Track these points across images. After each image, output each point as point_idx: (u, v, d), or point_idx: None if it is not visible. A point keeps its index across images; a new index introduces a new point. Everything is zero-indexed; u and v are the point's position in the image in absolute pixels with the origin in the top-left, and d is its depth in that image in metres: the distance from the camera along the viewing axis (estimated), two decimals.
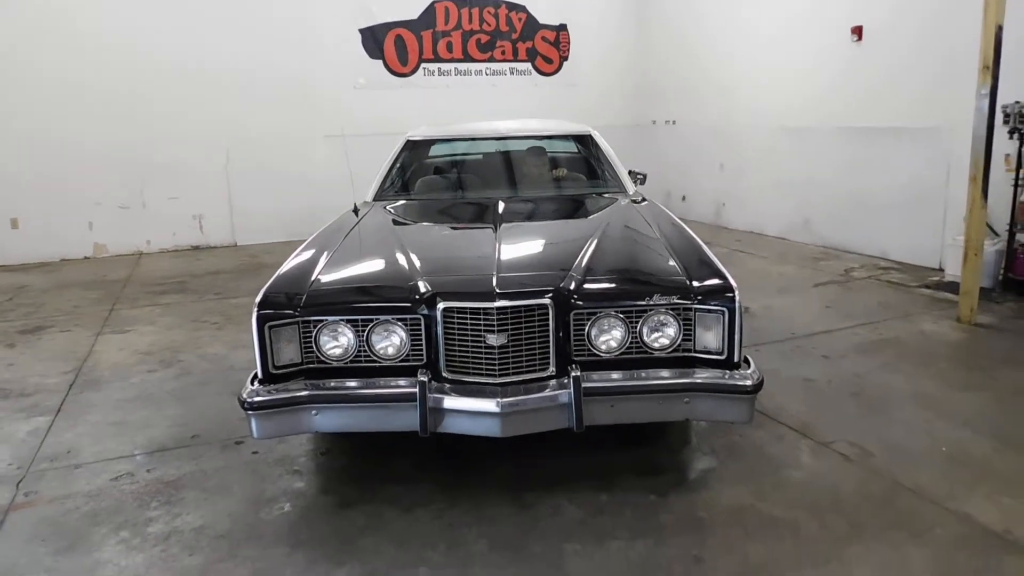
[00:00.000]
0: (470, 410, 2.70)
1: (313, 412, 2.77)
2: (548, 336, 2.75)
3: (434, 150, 5.11)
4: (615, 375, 2.78)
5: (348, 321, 2.81)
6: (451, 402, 2.72)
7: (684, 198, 9.46)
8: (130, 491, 3.02)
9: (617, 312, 2.80)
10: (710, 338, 2.82)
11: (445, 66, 9.09)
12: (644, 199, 4.30)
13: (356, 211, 4.21)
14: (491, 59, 9.24)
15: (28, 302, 6.02)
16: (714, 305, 2.78)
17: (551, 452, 3.17)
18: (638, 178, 4.71)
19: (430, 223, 4.09)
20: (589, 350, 2.82)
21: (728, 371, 2.80)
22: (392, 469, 3.14)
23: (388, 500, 2.90)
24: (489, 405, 2.67)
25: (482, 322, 2.71)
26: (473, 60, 9.17)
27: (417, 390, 2.66)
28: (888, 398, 3.73)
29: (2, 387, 4.19)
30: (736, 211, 8.58)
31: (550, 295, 2.73)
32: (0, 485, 3.07)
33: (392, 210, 4.22)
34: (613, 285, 2.92)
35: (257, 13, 8.18)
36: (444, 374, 2.79)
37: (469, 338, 2.74)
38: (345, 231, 3.65)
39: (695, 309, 2.80)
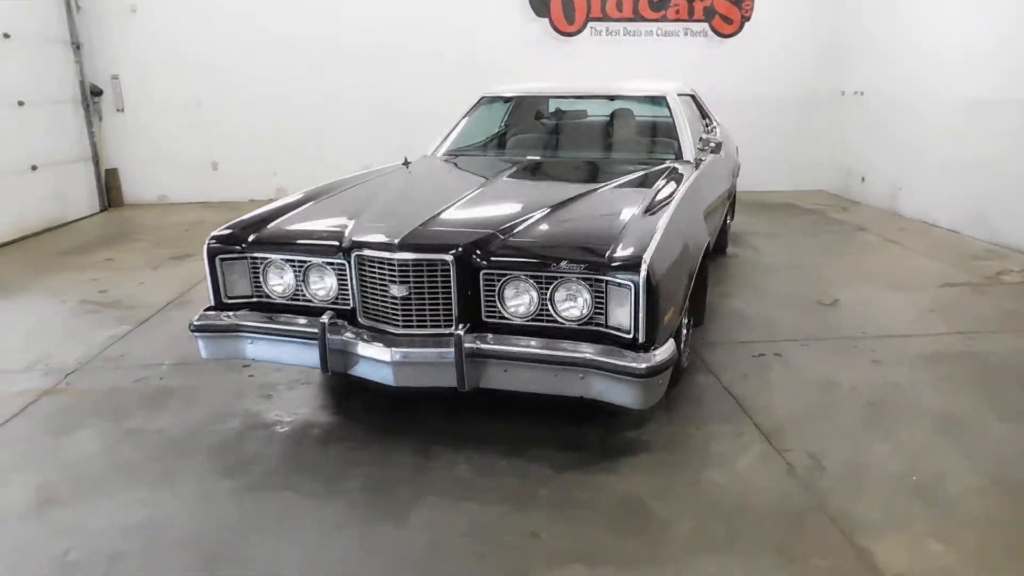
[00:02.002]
0: (369, 356, 2.82)
1: (249, 341, 3.06)
2: (451, 293, 2.76)
3: (512, 107, 5.15)
4: (509, 340, 2.72)
5: (288, 261, 3.05)
6: (357, 347, 2.85)
7: (863, 179, 8.44)
8: (137, 392, 3.54)
9: (527, 276, 2.74)
10: (621, 315, 2.65)
11: (613, 25, 8.87)
12: (699, 164, 4.13)
13: (406, 163, 4.45)
14: (663, 18, 8.83)
15: (196, 234, 7.08)
16: (622, 278, 2.60)
17: (517, 415, 3.15)
18: (710, 145, 4.37)
19: (435, 177, 4.14)
20: (500, 313, 2.79)
21: (633, 351, 2.61)
22: (345, 408, 3.35)
23: (321, 433, 3.11)
24: (384, 354, 2.77)
25: (387, 273, 2.79)
26: (644, 19, 8.83)
27: (318, 330, 2.84)
28: (906, 415, 3.20)
29: (121, 300, 5.03)
30: (911, 197, 7.50)
31: (453, 252, 2.73)
32: (53, 374, 3.76)
33: (431, 165, 4.37)
34: (525, 249, 2.82)
35: None
36: (359, 319, 2.93)
37: (378, 287, 2.84)
38: (354, 182, 3.88)
39: (607, 282, 2.64)
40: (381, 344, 2.79)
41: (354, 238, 2.89)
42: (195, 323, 3.08)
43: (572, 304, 2.73)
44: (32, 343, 4.18)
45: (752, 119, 8.93)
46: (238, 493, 2.69)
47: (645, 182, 3.72)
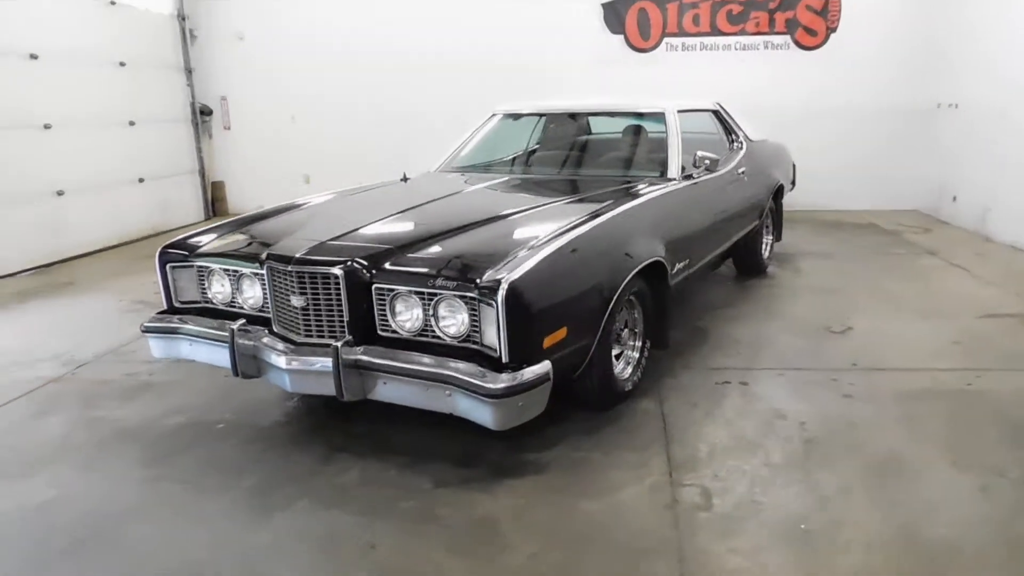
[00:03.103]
0: (272, 363, 2.98)
1: (188, 343, 3.32)
2: (343, 305, 2.87)
3: (523, 124, 5.18)
4: (384, 353, 2.78)
5: (224, 270, 3.28)
6: (263, 353, 3.02)
7: (955, 199, 7.67)
8: (121, 385, 3.90)
9: (411, 292, 2.79)
10: (491, 333, 2.64)
11: (690, 40, 8.65)
12: (676, 182, 4.07)
13: (405, 179, 4.64)
14: (742, 32, 8.50)
15: None
16: (486, 298, 2.60)
17: (447, 429, 3.12)
18: (705, 163, 4.20)
19: (397, 193, 4.21)
20: (391, 327, 2.87)
21: (497, 372, 2.60)
22: (290, 411, 3.53)
23: (251, 433, 3.30)
24: (281, 361, 2.92)
25: (288, 284, 2.94)
26: (722, 33, 8.55)
27: (228, 336, 3.03)
28: (842, 456, 2.93)
29: None
30: (1002, 220, 6.72)
31: (342, 266, 2.84)
32: (68, 365, 4.21)
33: (418, 181, 4.52)
34: (410, 265, 2.86)
35: None
36: (273, 327, 3.10)
37: (284, 297, 3.00)
38: (328, 196, 4.10)
39: (477, 300, 2.65)
40: (280, 352, 2.94)
41: (269, 251, 3.07)
42: (145, 324, 3.38)
43: (452, 321, 2.75)
44: (70, 336, 4.71)
45: (837, 134, 8.43)
46: (146, 482, 2.92)
47: (600, 199, 3.65)
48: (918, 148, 8.27)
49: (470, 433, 3.01)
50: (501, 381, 2.54)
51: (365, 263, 2.84)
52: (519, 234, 3.10)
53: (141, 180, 8.30)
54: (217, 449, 3.17)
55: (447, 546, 2.44)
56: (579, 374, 3.10)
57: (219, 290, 3.33)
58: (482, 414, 2.58)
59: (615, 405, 3.39)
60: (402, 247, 2.98)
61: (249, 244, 3.34)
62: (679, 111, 4.54)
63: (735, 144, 5.22)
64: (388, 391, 2.79)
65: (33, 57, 6.84)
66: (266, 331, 3.10)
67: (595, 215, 3.28)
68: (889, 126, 8.38)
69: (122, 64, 8.03)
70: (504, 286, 2.55)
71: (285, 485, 2.85)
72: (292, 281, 2.91)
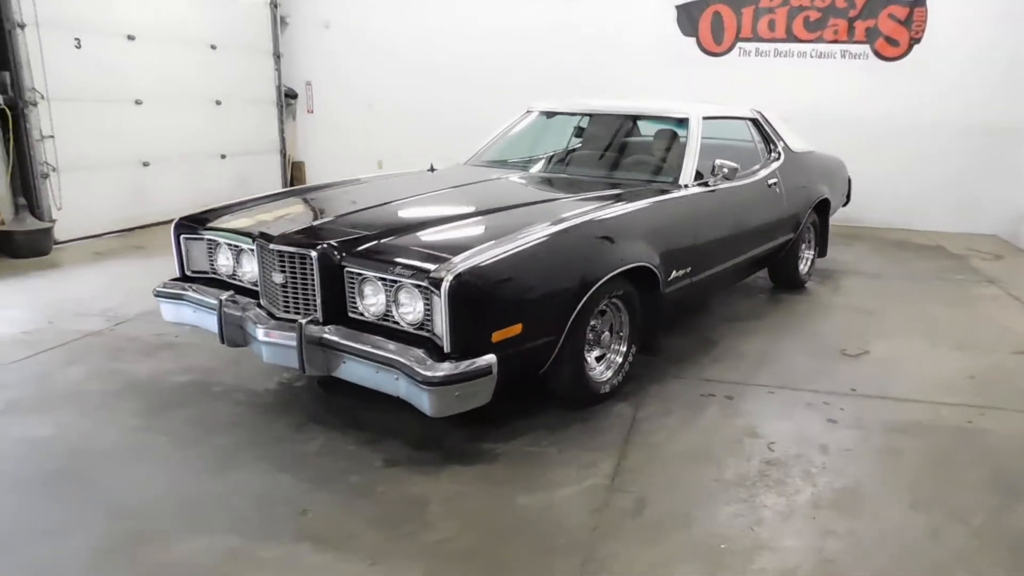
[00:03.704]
0: (252, 334, 3.17)
1: (192, 309, 3.57)
2: (315, 285, 3.02)
3: (558, 122, 5.22)
4: (347, 333, 2.92)
5: (228, 245, 3.51)
6: (246, 324, 3.22)
7: None
8: (147, 343, 4.22)
9: (376, 278, 2.92)
10: (440, 323, 2.74)
11: (763, 46, 8.40)
12: (685, 189, 4.04)
13: (432, 169, 4.80)
14: (819, 39, 8.18)
15: None
16: (433, 288, 2.70)
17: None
18: (722, 170, 4.13)
19: (414, 183, 4.27)
20: (359, 310, 3.01)
21: (441, 361, 2.69)
22: (287, 384, 3.74)
23: (242, 397, 3.53)
24: (259, 332, 3.11)
25: (271, 261, 3.13)
26: (797, 40, 8.25)
27: (216, 305, 3.26)
28: (797, 481, 2.87)
29: None
30: None
31: (316, 249, 2.99)
32: (110, 321, 4.59)
33: (441, 172, 4.64)
34: (377, 252, 2.97)
35: None
36: (260, 301, 3.30)
37: (269, 274, 3.19)
38: (351, 182, 4.29)
39: (428, 290, 2.75)
40: (260, 324, 3.13)
41: (260, 229, 3.27)
42: (157, 289, 3.66)
43: (409, 309, 2.86)
44: (123, 295, 5.11)
45: (914, 149, 8.01)
46: (133, 430, 3.19)
47: (593, 201, 3.67)
48: (1001, 170, 7.72)
49: (441, 418, 3.13)
50: (438, 370, 2.63)
51: (336, 247, 2.99)
52: (493, 229, 3.17)
53: (223, 156, 8.82)
54: (207, 408, 3.41)
55: (372, 520, 2.56)
56: (546, 371, 3.15)
57: (224, 263, 3.56)
58: (420, 400, 2.68)
59: (590, 405, 3.42)
60: (380, 234, 3.11)
61: (256, 221, 3.56)
62: (706, 117, 4.47)
63: (773, 154, 5.07)
64: (348, 370, 2.93)
65: (130, 38, 7.41)
66: (255, 304, 3.31)
67: (578, 216, 3.31)
68: (971, 144, 7.86)
69: (213, 47, 8.54)
70: (448, 279, 2.64)
71: (251, 447, 3.05)
72: (274, 259, 3.10)
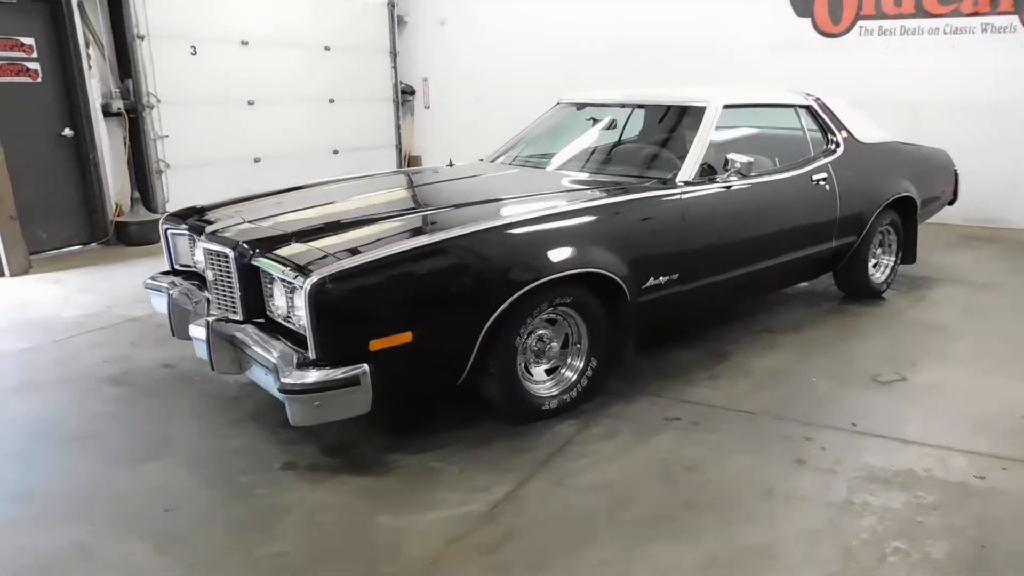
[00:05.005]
0: (190, 332, 3.26)
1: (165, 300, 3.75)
2: (234, 284, 3.05)
3: (587, 113, 4.90)
4: (244, 332, 2.90)
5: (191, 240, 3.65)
6: (188, 318, 3.32)
7: None
8: (145, 334, 4.48)
9: (278, 279, 2.88)
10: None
11: (888, 23, 7.35)
12: (682, 186, 3.65)
13: (451, 164, 4.73)
14: (955, 13, 7.01)
15: None
16: (298, 292, 2.63)
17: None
18: (735, 165, 3.67)
19: (398, 179, 4.29)
20: (271, 310, 3.00)
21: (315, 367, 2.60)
22: None
23: (215, 389, 3.66)
24: (193, 328, 3.19)
25: (208, 259, 3.20)
26: (928, 15, 7.12)
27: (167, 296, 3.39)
28: (707, 526, 2.47)
29: None
30: None
31: (232, 248, 3.01)
32: (150, 310, 4.96)
33: (452, 169, 4.54)
34: (281, 253, 2.91)
35: None
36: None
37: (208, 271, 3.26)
38: (349, 176, 4.31)
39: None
40: (196, 320, 3.22)
41: (207, 228, 3.35)
42: (146, 281, 3.88)
43: (302, 312, 2.78)
44: None
45: None
46: (98, 416, 3.37)
47: (554, 199, 3.41)
48: None
49: (377, 424, 3.13)
50: (296, 377, 2.55)
51: (248, 246, 2.98)
52: (409, 227, 3.03)
53: (335, 152, 9.27)
54: (173, 399, 3.56)
55: (226, 523, 2.54)
56: (469, 383, 2.97)
57: (199, 258, 3.70)
58: (287, 407, 2.61)
59: (531, 421, 3.18)
60: (303, 233, 3.07)
61: (223, 219, 3.66)
62: (728, 105, 3.98)
63: (829, 145, 4.41)
64: (253, 372, 2.92)
65: (244, 43, 7.98)
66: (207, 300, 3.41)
67: (497, 219, 3.08)
68: None
69: (327, 48, 8.98)
70: (309, 283, 2.54)
71: (181, 440, 3.16)
72: (205, 257, 3.17)
